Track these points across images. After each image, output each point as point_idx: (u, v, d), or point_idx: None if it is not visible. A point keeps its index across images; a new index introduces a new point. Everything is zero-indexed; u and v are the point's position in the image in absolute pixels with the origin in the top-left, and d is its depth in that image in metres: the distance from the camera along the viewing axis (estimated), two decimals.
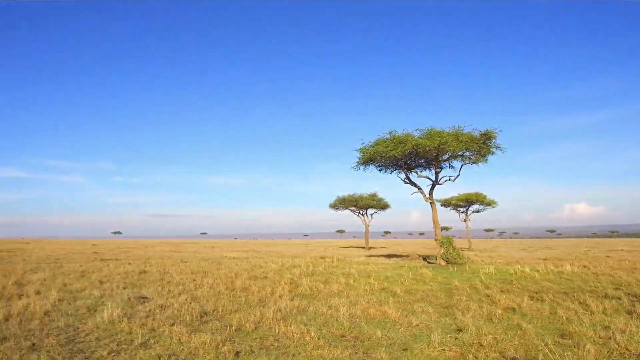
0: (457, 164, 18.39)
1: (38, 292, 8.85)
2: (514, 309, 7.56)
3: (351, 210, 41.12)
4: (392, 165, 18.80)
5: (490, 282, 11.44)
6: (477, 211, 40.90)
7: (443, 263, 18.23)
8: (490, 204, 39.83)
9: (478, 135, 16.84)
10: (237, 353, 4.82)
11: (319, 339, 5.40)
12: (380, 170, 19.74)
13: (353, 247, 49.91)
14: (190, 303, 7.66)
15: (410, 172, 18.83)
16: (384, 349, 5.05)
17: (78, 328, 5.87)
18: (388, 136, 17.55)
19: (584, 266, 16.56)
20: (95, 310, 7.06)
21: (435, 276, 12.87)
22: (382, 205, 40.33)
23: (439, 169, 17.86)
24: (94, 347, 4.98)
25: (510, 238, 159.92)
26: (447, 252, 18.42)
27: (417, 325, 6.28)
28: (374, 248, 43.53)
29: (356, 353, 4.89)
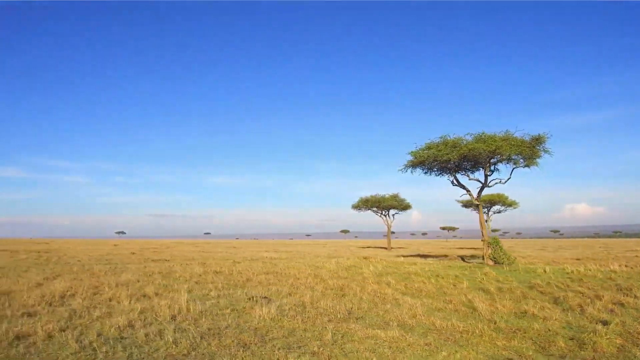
0: (501, 166, 18.89)
1: (157, 294, 9.27)
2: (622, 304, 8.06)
3: (373, 210, 41.66)
4: (440, 168, 19.29)
5: (564, 280, 11.92)
6: (499, 212, 41.60)
7: (491, 263, 18.73)
8: (511, 204, 40.48)
9: (529, 139, 17.34)
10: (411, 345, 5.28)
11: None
12: (425, 173, 20.25)
13: (371, 247, 50.40)
14: (317, 302, 8.12)
15: (456, 174, 19.33)
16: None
17: (252, 326, 6.30)
18: (438, 140, 18.08)
19: (627, 266, 17.08)
20: (236, 310, 7.48)
21: (506, 276, 13.31)
22: (404, 206, 40.88)
23: (489, 172, 18.35)
24: (302, 343, 5.43)
25: (513, 238, 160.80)
26: (494, 252, 18.94)
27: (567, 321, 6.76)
28: (394, 248, 44.02)
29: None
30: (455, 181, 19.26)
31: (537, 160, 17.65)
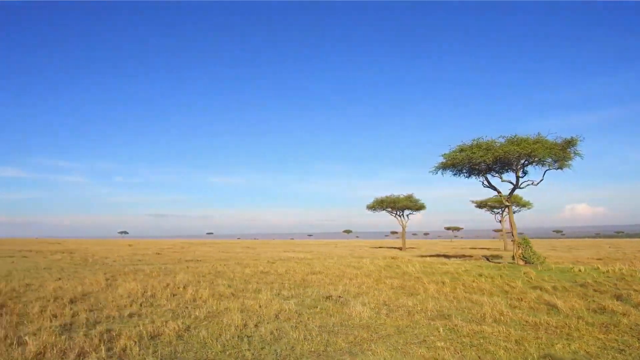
0: (530, 168, 19.30)
1: (234, 294, 9.61)
2: None
3: (388, 211, 42.08)
4: (470, 170, 19.69)
5: (606, 279, 12.30)
6: (514, 212, 41.92)
7: (522, 262, 19.12)
8: (525, 205, 40.94)
9: (560, 142, 17.75)
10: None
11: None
12: (454, 175, 20.65)
13: (384, 247, 50.80)
14: (396, 300, 8.48)
15: (487, 175, 19.74)
16: None
17: (359, 324, 6.64)
18: (471, 143, 18.51)
19: None
20: (324, 309, 7.82)
21: (549, 275, 13.69)
22: (418, 207, 41.30)
23: (522, 174, 18.75)
24: (419, 338, 5.78)
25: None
26: (525, 252, 19.33)
27: None
28: (409, 249, 44.46)
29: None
30: (486, 182, 19.64)
31: (569, 162, 18.04)
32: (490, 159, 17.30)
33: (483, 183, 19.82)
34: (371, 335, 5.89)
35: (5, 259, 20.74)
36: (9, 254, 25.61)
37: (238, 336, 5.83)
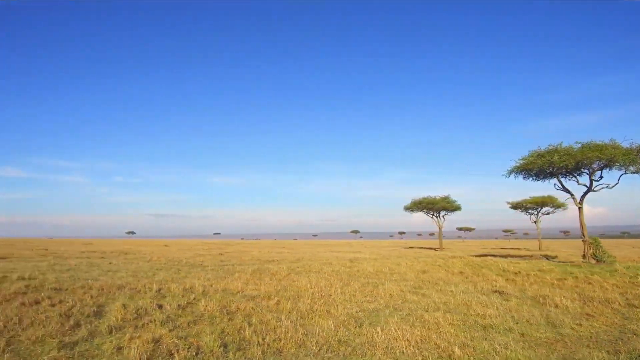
0: (605, 172, 20.10)
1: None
2: None
3: (424, 212, 42.95)
4: (541, 173, 20.56)
5: None
6: (548, 213, 42.96)
7: (593, 261, 19.93)
8: (560, 206, 41.81)
9: (635, 147, 18.58)
10: None
11: None
12: (525, 178, 21.53)
13: (414, 247, 51.57)
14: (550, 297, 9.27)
15: (560, 179, 20.58)
16: None
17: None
18: (547, 148, 19.44)
19: None
20: (472, 305, 8.60)
21: (637, 273, 14.44)
22: (454, 207, 42.13)
23: (598, 178, 19.57)
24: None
25: (518, 239, 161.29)
26: (596, 251, 20.15)
27: None
28: (442, 249, 45.23)
29: None
30: (559, 185, 20.46)
31: None
32: (572, 163, 18.14)
33: (555, 185, 20.64)
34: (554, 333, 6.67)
35: (85, 260, 21.49)
36: (75, 255, 26.34)
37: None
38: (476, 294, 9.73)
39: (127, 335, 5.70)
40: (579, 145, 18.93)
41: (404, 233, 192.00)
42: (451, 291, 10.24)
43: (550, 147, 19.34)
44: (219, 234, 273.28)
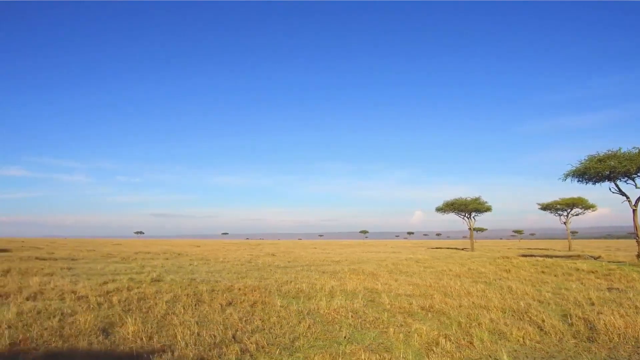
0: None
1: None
2: None
3: (455, 213, 43.88)
4: (599, 178, 21.50)
5: None
6: (577, 214, 43.82)
7: None
8: (590, 207, 42.64)
9: None
10: None
11: None
12: (579, 181, 22.52)
13: (441, 247, 52.46)
14: None
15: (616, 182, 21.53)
16: None
17: None
18: (606, 153, 20.43)
19: None
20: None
21: None
22: (485, 209, 43.01)
23: None
24: None
25: (523, 239, 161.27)
26: None
27: None
28: (468, 249, 46.01)
29: None
30: (615, 188, 21.40)
31: None
32: (634, 167, 19.11)
33: (611, 189, 21.59)
34: None
35: (167, 262, 22.51)
36: (140, 257, 27.34)
37: None
38: (602, 292, 10.61)
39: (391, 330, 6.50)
40: (637, 151, 19.90)
41: (412, 233, 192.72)
42: (566, 289, 11.17)
43: (609, 152, 20.32)
44: (227, 234, 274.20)
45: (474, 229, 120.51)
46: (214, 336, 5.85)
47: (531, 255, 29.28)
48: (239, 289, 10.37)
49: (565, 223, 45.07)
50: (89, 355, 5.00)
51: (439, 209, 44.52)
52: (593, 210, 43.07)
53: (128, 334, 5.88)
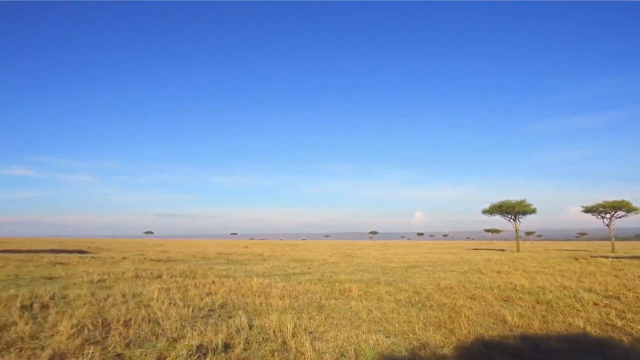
0: None
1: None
2: None
3: (502, 215, 44.79)
4: None
5: None
6: (620, 217, 44.90)
7: None
8: (633, 210, 43.70)
9: None
10: None
11: None
12: None
13: (478, 248, 53.27)
14: None
15: None
16: None
17: None
18: None
19: None
20: None
21: None
22: (531, 210, 43.96)
23: None
24: None
25: (531, 240, 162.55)
26: None
27: None
28: (512, 251, 46.86)
29: None
30: None
31: None
32: None
33: None
34: None
35: (223, 264, 22.95)
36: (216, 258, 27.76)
37: None
38: None
39: None
40: None
41: (422, 234, 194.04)
42: None
43: None
44: (236, 234, 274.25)
45: (490, 230, 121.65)
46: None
47: (594, 257, 29.97)
48: (448, 288, 10.94)
49: (608, 225, 46.12)
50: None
51: (485, 211, 45.36)
52: (636, 213, 44.16)
53: None
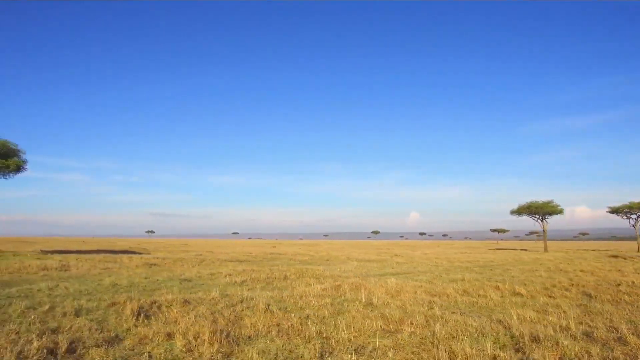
0: None
1: None
2: None
3: (529, 215, 45.86)
4: None
5: None
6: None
7: None
8: None
9: None
10: None
11: None
12: None
13: (503, 248, 54.31)
14: None
15: None
16: None
17: None
18: None
19: None
20: None
21: None
22: (558, 211, 45.02)
23: None
24: None
25: (532, 241, 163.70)
26: None
27: None
28: (533, 250, 47.89)
29: None
30: None
31: None
32: None
33: None
34: None
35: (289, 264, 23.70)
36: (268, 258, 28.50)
37: None
38: None
39: None
40: None
41: (424, 234, 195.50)
42: None
43: None
44: (237, 233, 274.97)
45: (497, 230, 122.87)
46: None
47: (624, 257, 30.95)
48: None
49: (634, 226, 47.28)
50: None
51: (513, 212, 46.42)
52: None
53: None
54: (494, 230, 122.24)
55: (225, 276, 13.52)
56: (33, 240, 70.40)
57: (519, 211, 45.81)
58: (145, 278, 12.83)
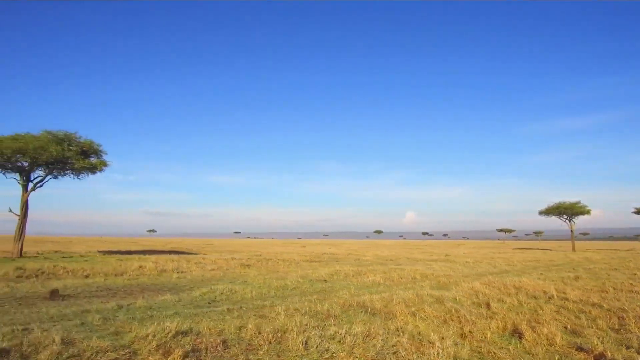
0: None
1: None
2: None
3: (557, 216, 46.78)
4: None
5: None
6: None
7: None
8: None
9: None
10: None
11: None
12: None
13: (525, 247, 55.23)
14: None
15: None
16: None
17: None
18: None
19: None
20: None
21: None
22: (585, 212, 46.03)
23: None
24: None
25: (531, 240, 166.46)
26: None
27: None
28: (558, 250, 48.89)
29: None
30: None
31: None
32: None
33: None
34: None
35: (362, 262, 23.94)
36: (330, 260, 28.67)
37: None
38: None
39: None
40: None
41: (426, 234, 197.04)
42: None
43: None
44: (239, 232, 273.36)
45: (504, 230, 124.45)
46: None
47: None
48: None
49: None
50: None
51: (542, 212, 47.32)
52: None
53: None
54: (501, 230, 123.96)
55: (353, 276, 13.68)
56: (49, 239, 69.05)
57: (548, 212, 46.73)
58: (302, 279, 12.51)
